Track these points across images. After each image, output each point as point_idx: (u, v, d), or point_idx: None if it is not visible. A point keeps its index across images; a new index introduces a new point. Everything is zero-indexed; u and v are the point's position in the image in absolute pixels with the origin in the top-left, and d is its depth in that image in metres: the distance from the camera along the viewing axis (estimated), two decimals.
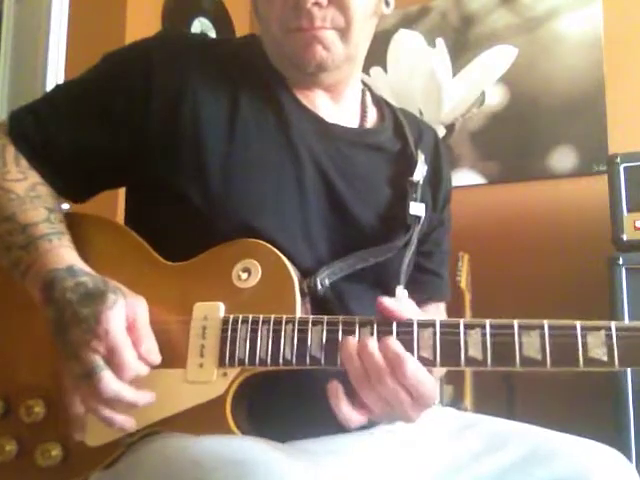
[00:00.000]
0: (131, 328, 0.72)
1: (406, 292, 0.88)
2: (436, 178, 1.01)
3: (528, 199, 2.25)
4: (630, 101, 2.13)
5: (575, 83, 2.23)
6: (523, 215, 2.24)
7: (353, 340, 0.71)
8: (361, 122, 0.97)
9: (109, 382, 0.68)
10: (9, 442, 0.79)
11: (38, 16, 2.16)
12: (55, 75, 2.11)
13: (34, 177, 0.86)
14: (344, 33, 0.85)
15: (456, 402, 1.90)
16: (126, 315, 0.72)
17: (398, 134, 0.99)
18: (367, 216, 0.89)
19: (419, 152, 0.97)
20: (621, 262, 1.61)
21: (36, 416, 0.79)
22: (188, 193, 0.83)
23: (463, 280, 1.96)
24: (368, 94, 1.01)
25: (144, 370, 0.72)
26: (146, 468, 0.69)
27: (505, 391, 1.97)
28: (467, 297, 1.97)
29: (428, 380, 0.70)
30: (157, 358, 0.73)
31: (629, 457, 0.79)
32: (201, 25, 2.45)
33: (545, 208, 2.20)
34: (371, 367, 0.69)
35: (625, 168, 1.68)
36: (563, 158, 2.22)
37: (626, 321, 1.57)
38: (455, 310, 1.07)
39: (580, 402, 1.92)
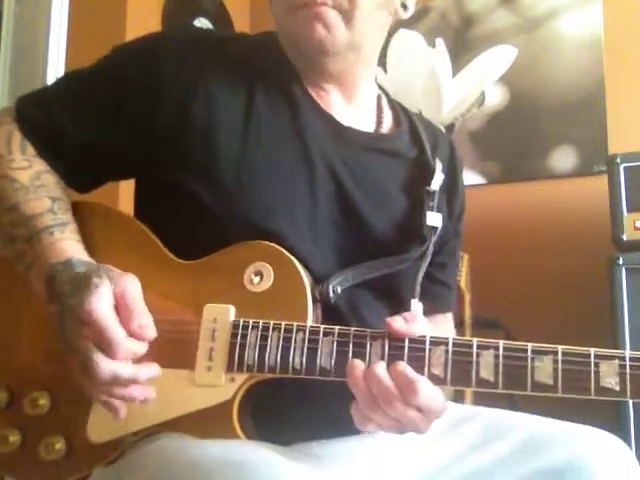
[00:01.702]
0: (120, 305, 0.69)
1: (421, 305, 0.87)
2: (452, 187, 0.99)
3: (528, 199, 2.25)
4: (630, 101, 2.13)
5: (575, 83, 2.22)
6: (523, 215, 2.23)
7: (360, 365, 0.70)
8: (377, 126, 0.95)
9: (102, 366, 0.66)
10: (13, 433, 0.78)
11: (38, 15, 2.16)
12: (55, 75, 2.10)
13: (40, 165, 0.85)
14: (347, 16, 0.83)
15: (456, 401, 1.90)
16: (114, 293, 0.69)
17: (414, 140, 0.97)
18: (381, 224, 0.87)
19: (437, 160, 0.95)
20: (621, 262, 1.60)
21: (41, 409, 0.78)
22: (198, 192, 0.81)
23: (463, 280, 1.96)
24: (384, 98, 1.00)
25: (139, 347, 0.69)
26: (146, 468, 0.69)
27: None
28: (467, 297, 1.96)
29: (438, 395, 0.70)
30: (152, 332, 0.70)
31: (629, 447, 0.80)
32: (201, 25, 2.45)
33: (545, 208, 2.20)
34: (379, 392, 0.68)
35: (625, 168, 1.68)
36: (563, 158, 2.22)
37: (626, 322, 1.57)
38: (455, 310, 1.07)
39: (581, 402, 1.92)
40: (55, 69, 2.12)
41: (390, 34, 2.65)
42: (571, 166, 2.21)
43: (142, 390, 0.70)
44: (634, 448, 1.50)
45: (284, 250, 0.78)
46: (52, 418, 0.78)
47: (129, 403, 0.71)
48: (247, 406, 0.75)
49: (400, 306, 0.85)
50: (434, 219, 0.91)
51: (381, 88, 1.01)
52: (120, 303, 0.70)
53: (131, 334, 0.69)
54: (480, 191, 2.32)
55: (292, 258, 0.77)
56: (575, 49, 2.24)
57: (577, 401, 0.70)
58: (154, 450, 0.71)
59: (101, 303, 0.68)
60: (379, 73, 2.50)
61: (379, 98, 0.99)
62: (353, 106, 0.92)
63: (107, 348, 0.67)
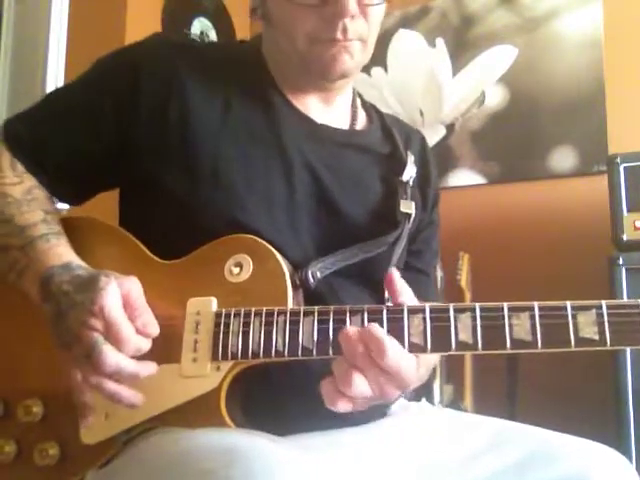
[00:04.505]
0: (126, 305, 0.72)
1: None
2: (424, 179, 1.03)
3: (528, 199, 2.25)
4: (630, 101, 2.13)
5: (575, 83, 2.22)
6: (523, 215, 2.24)
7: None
8: (351, 124, 0.99)
9: (109, 355, 0.69)
10: (8, 443, 0.79)
11: (38, 16, 2.16)
12: (55, 76, 2.10)
13: (30, 181, 0.89)
14: (365, 43, 0.89)
15: (456, 402, 1.90)
16: (120, 293, 0.72)
17: (387, 137, 1.02)
18: (356, 212, 0.91)
19: (408, 153, 1.00)
20: (621, 262, 1.61)
21: (34, 416, 0.79)
22: (177, 190, 0.85)
23: (463, 280, 1.96)
24: (358, 98, 1.04)
25: (145, 343, 0.72)
26: (140, 463, 0.70)
27: (506, 391, 1.97)
28: (467, 297, 1.97)
29: (408, 359, 0.70)
30: (155, 329, 0.74)
31: (629, 459, 0.79)
32: (201, 25, 2.45)
33: (545, 208, 2.20)
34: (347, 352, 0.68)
35: (625, 168, 1.68)
36: (563, 158, 2.22)
37: None
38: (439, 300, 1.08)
39: (581, 402, 1.92)
40: (55, 69, 2.12)
41: (390, 34, 2.66)
42: (571, 166, 2.21)
43: (131, 394, 0.72)
44: (635, 463, 1.50)
45: (262, 241, 0.80)
46: (45, 425, 0.79)
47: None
48: (236, 396, 0.76)
49: (377, 291, 0.88)
50: (407, 206, 0.94)
51: (353, 89, 1.05)
52: (125, 302, 0.73)
53: (136, 331, 0.72)
54: (480, 191, 2.32)
55: (270, 247, 0.80)
56: (575, 49, 2.24)
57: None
58: (147, 446, 0.72)
59: (113, 299, 0.71)
60: (379, 73, 2.51)
61: (354, 98, 1.03)
62: (329, 106, 0.97)
63: (116, 342, 0.70)
